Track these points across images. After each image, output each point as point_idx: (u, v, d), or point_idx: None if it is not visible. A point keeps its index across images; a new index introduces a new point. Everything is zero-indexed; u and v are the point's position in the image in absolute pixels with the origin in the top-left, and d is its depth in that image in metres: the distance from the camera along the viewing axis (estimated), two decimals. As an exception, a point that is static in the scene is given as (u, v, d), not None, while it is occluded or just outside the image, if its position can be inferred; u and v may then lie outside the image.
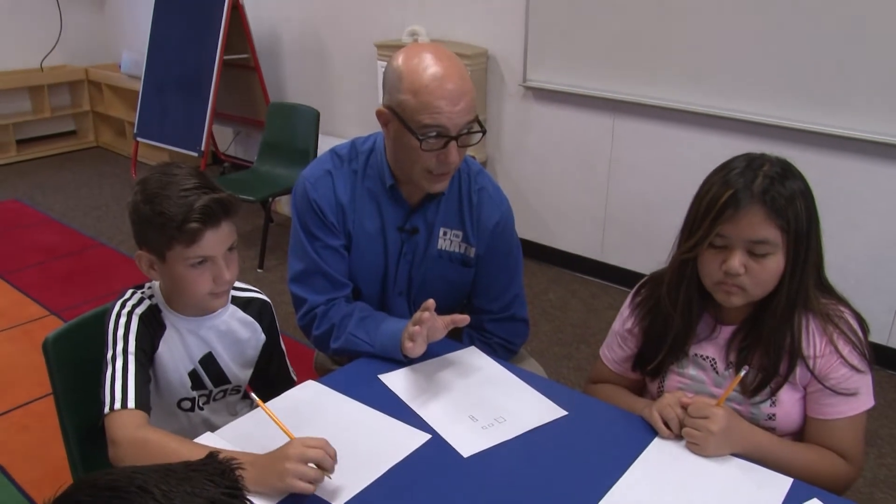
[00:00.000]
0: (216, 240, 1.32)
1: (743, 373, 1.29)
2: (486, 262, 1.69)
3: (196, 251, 1.31)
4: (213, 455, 0.79)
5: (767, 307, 1.31)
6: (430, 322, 1.45)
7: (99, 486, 0.70)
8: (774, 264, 1.26)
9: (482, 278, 1.71)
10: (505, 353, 1.74)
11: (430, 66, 1.44)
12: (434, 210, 1.64)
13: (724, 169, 1.29)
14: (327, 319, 1.60)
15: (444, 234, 1.65)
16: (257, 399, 1.26)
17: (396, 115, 1.48)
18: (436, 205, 1.64)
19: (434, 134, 1.45)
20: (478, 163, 1.72)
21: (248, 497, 0.77)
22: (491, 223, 1.66)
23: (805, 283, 1.29)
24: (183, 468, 0.74)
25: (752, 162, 1.28)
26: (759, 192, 1.23)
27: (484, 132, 1.51)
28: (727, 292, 1.30)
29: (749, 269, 1.26)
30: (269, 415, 1.24)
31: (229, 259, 1.36)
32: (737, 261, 1.25)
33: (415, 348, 1.47)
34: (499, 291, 1.71)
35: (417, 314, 1.46)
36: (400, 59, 1.48)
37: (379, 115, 1.53)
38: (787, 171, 1.27)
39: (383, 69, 1.60)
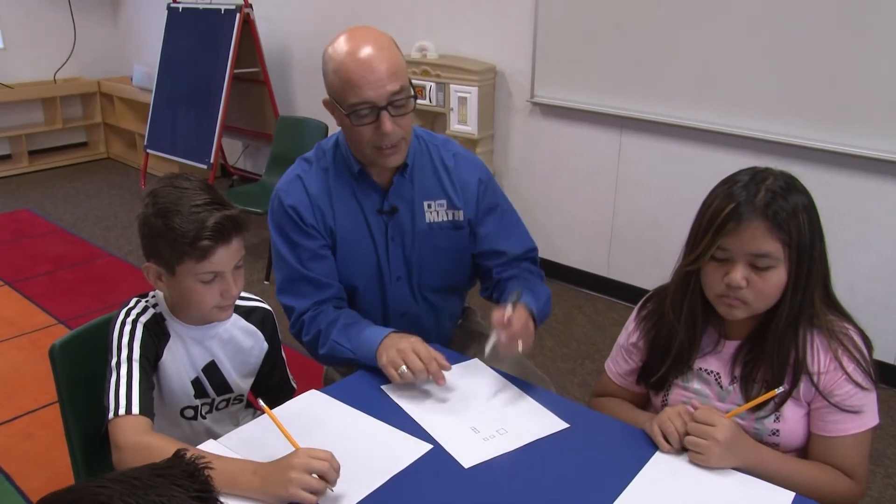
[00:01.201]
0: (227, 256, 1.34)
1: (779, 391, 1.29)
2: (492, 216, 1.71)
3: (207, 267, 1.32)
4: (180, 455, 0.76)
5: (771, 322, 1.31)
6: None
7: None
8: (776, 278, 1.26)
9: (500, 230, 1.72)
10: (542, 280, 1.75)
11: (346, 43, 1.48)
12: (409, 186, 1.65)
13: (728, 182, 1.30)
14: (314, 325, 1.61)
15: (429, 206, 1.66)
16: (265, 407, 1.26)
17: (333, 100, 1.52)
18: (409, 180, 1.65)
19: (365, 110, 1.47)
20: (442, 135, 1.74)
21: (219, 498, 0.75)
22: (474, 182, 1.68)
23: (809, 298, 1.29)
24: (149, 473, 0.71)
25: (755, 175, 1.28)
26: (762, 206, 1.23)
27: (415, 97, 1.53)
28: (729, 305, 1.29)
29: (751, 282, 1.26)
30: (277, 424, 1.24)
31: (237, 274, 1.38)
32: (738, 274, 1.25)
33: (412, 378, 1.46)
34: (517, 233, 1.75)
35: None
36: (326, 46, 1.52)
37: (325, 105, 1.57)
38: (790, 186, 1.27)
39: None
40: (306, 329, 1.62)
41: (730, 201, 1.25)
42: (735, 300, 1.28)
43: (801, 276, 1.26)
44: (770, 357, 1.31)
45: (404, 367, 1.44)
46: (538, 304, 1.59)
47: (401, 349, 1.46)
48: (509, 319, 1.40)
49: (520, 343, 1.41)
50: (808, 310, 1.30)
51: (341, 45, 1.49)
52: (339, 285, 1.66)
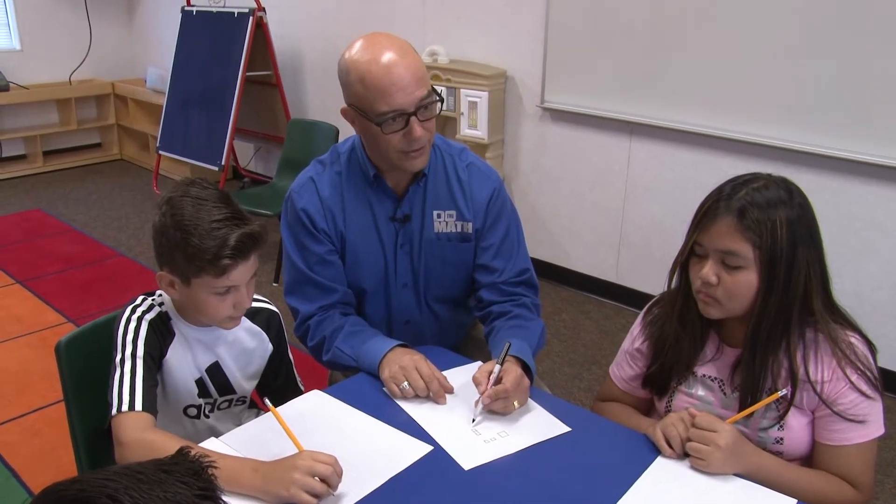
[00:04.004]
0: (244, 271, 1.35)
1: (780, 394, 1.28)
2: (496, 230, 1.68)
3: (224, 282, 1.33)
4: (184, 452, 0.76)
5: (756, 332, 1.30)
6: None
7: (67, 500, 0.67)
8: (746, 279, 1.26)
9: (499, 248, 1.68)
10: (537, 310, 1.71)
11: (368, 51, 1.46)
12: (422, 195, 1.65)
13: (728, 181, 1.32)
14: (319, 331, 1.62)
15: (439, 216, 1.66)
16: (271, 406, 1.27)
17: (356, 109, 1.51)
18: (423, 189, 1.64)
19: (392, 116, 1.46)
20: (459, 143, 1.73)
21: (222, 497, 0.75)
22: (485, 195, 1.67)
23: (795, 307, 1.27)
24: (153, 469, 0.71)
25: (749, 178, 1.30)
26: (737, 206, 1.25)
27: (442, 100, 1.53)
28: (704, 302, 1.32)
29: (722, 280, 1.28)
30: (281, 423, 1.25)
31: (249, 284, 1.39)
32: (708, 269, 1.28)
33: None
34: (515, 253, 1.71)
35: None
36: (344, 54, 1.50)
37: (344, 114, 1.56)
38: (778, 195, 1.26)
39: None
40: (311, 334, 1.63)
41: (712, 198, 1.29)
42: (708, 297, 1.31)
43: (776, 284, 1.26)
44: (757, 366, 1.31)
45: (406, 383, 1.44)
46: (531, 344, 1.56)
47: (403, 366, 1.46)
48: (499, 378, 1.39)
49: (515, 403, 1.40)
50: (805, 318, 1.29)
51: (362, 53, 1.47)
52: (346, 290, 1.66)
